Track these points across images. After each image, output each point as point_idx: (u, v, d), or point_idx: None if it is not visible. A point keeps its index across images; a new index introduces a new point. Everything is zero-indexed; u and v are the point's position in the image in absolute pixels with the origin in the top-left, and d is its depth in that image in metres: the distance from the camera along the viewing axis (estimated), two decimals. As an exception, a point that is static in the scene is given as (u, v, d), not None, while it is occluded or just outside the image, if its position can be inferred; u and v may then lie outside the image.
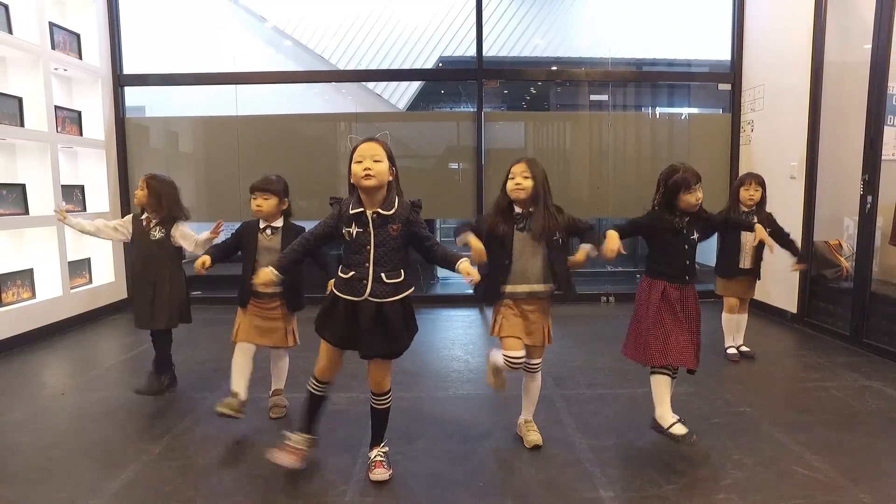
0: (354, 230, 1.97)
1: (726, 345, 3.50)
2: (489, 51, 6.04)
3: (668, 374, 2.35)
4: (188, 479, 2.09)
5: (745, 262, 3.35)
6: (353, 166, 1.97)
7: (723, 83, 5.26)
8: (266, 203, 2.50)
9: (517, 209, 2.24)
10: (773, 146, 4.66)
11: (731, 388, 2.98)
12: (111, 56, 4.90)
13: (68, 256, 4.35)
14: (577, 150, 5.36)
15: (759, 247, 3.32)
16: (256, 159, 5.14)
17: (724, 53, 5.33)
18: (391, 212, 1.98)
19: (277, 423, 2.59)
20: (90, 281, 4.68)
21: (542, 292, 2.24)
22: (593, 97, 6.29)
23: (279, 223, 2.56)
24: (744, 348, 3.50)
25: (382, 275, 1.98)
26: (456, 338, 4.08)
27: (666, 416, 2.30)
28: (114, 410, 2.75)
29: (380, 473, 2.08)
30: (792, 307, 4.34)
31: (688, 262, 2.32)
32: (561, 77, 5.64)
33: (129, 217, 2.91)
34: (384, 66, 6.39)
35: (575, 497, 1.97)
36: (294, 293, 2.58)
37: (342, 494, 2.00)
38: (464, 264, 1.94)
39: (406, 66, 6.38)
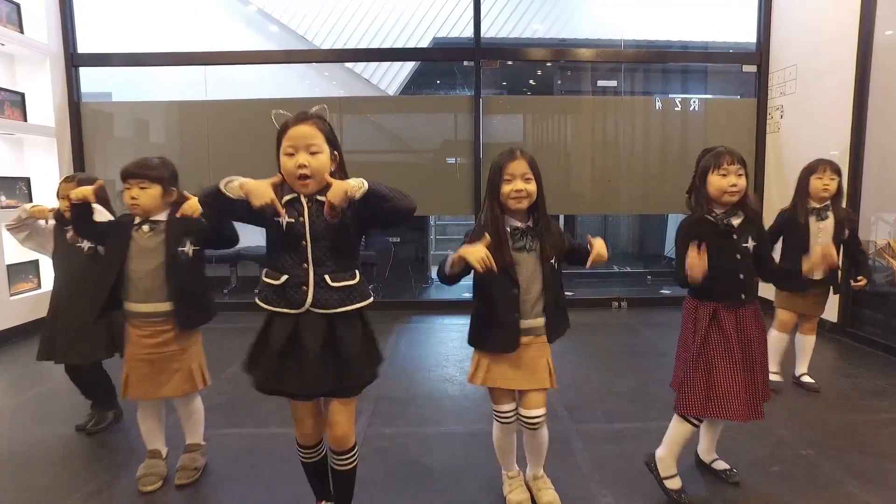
0: (285, 219, 1.46)
1: (771, 368, 2.89)
2: (487, 32, 5.51)
3: (695, 426, 1.88)
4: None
5: (817, 271, 2.64)
6: (283, 159, 1.46)
7: (747, 64, 4.73)
8: (144, 195, 1.86)
9: (513, 223, 1.70)
10: (807, 134, 4.14)
11: (782, 421, 2.46)
12: (62, 32, 4.35)
13: (11, 258, 3.83)
14: (586, 140, 4.82)
15: (851, 243, 2.68)
16: (228, 149, 4.61)
17: (745, 36, 4.81)
18: None
19: (217, 474, 2.05)
20: (38, 286, 4.14)
21: (542, 328, 1.72)
22: (601, 83, 5.76)
23: (162, 216, 1.93)
24: (807, 378, 2.85)
25: (326, 277, 1.48)
26: (450, 353, 3.55)
27: (669, 462, 1.91)
28: (34, 450, 2.24)
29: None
30: (832, 315, 3.82)
31: (742, 276, 1.80)
32: (568, 57, 5.09)
33: (50, 223, 2.34)
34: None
35: None
36: (189, 306, 1.92)
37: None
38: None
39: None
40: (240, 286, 5.43)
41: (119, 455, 2.20)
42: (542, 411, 1.74)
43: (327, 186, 1.44)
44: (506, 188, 1.66)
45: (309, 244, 1.47)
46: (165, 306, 1.89)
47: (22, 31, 4.04)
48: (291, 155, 1.45)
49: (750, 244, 1.81)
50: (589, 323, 4.24)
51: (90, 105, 4.60)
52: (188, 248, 1.90)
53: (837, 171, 2.63)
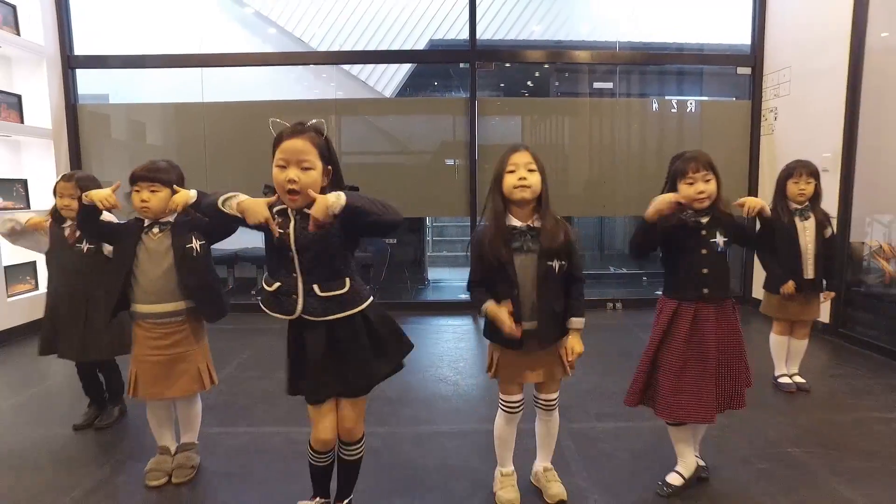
0: (276, 234, 1.50)
1: (777, 373, 2.89)
2: (483, 34, 5.54)
3: (670, 423, 1.94)
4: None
5: (808, 270, 2.70)
6: (275, 171, 1.49)
7: (742, 66, 4.76)
8: (155, 197, 1.89)
9: (513, 220, 1.71)
10: (801, 136, 4.17)
11: (771, 419, 2.48)
12: (59, 34, 4.37)
13: (8, 260, 3.84)
14: (581, 142, 4.85)
15: (827, 246, 2.70)
16: (225, 151, 4.63)
17: (739, 38, 4.84)
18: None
19: (212, 472, 2.08)
20: (36, 287, 4.16)
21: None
22: (597, 85, 5.79)
23: (170, 217, 1.96)
24: (798, 379, 2.86)
25: (315, 287, 1.52)
26: (445, 353, 3.58)
27: (680, 460, 1.97)
28: (26, 451, 2.25)
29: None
30: (824, 317, 3.85)
31: (706, 272, 1.83)
32: (563, 59, 5.12)
33: (46, 226, 2.38)
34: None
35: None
36: (206, 301, 1.97)
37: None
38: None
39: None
40: (237, 287, 5.45)
41: (117, 453, 2.22)
42: (555, 395, 1.84)
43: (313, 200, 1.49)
44: (509, 179, 1.68)
45: (296, 255, 1.50)
46: (174, 306, 1.91)
47: (18, 33, 4.05)
48: (283, 168, 1.48)
49: (720, 239, 1.84)
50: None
51: (87, 107, 4.62)
52: (195, 244, 1.92)
53: (814, 175, 2.67)
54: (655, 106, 4.89)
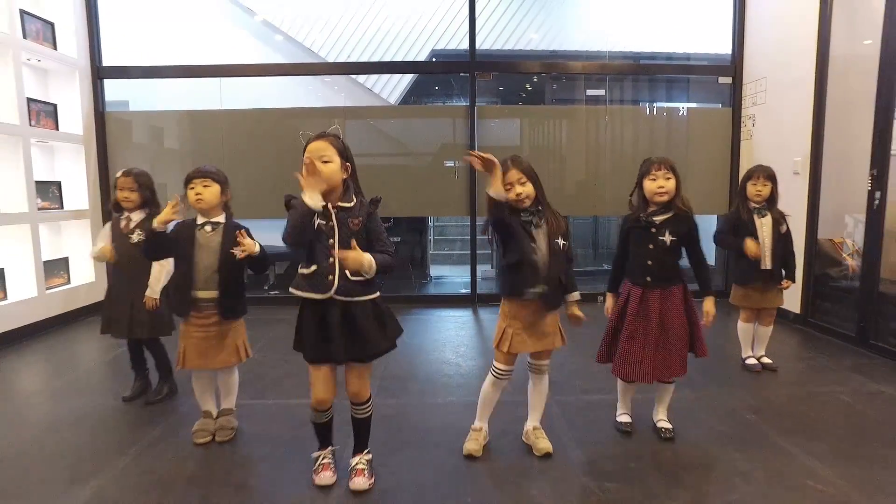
0: (317, 221, 1.86)
1: (744, 355, 3.23)
2: (482, 44, 5.88)
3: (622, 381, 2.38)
4: (153, 497, 1.93)
5: (766, 261, 3.02)
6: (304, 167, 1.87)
7: (723, 76, 5.11)
8: (207, 191, 2.22)
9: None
10: (775, 141, 4.52)
11: (735, 393, 2.83)
12: (89, 47, 4.71)
13: (45, 255, 4.18)
14: (574, 146, 5.20)
15: (785, 241, 3.03)
16: (243, 155, 4.97)
17: (723, 47, 5.18)
18: (351, 204, 1.90)
19: (248, 434, 2.43)
20: (68, 281, 4.50)
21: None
22: (590, 92, 6.13)
23: (220, 219, 2.28)
24: (765, 360, 3.19)
25: (347, 272, 1.86)
26: (447, 340, 3.92)
27: (620, 405, 2.45)
28: (83, 418, 2.59)
29: (360, 482, 1.97)
30: (795, 307, 4.20)
31: (650, 263, 2.19)
32: (557, 69, 5.47)
33: (107, 226, 2.71)
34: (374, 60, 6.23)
35: (571, 516, 1.81)
36: (231, 297, 2.26)
37: (318, 513, 1.84)
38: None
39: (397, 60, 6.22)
40: (251, 282, 5.79)
41: (165, 419, 2.56)
42: (548, 360, 2.20)
43: (343, 194, 1.88)
44: (509, 195, 2.00)
45: (336, 242, 1.85)
46: (216, 294, 2.24)
47: (55, 48, 4.40)
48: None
49: (667, 238, 2.19)
50: (575, 315, 4.60)
51: (113, 114, 4.96)
52: (237, 251, 2.20)
53: (771, 178, 3.01)
54: (644, 112, 5.26)
